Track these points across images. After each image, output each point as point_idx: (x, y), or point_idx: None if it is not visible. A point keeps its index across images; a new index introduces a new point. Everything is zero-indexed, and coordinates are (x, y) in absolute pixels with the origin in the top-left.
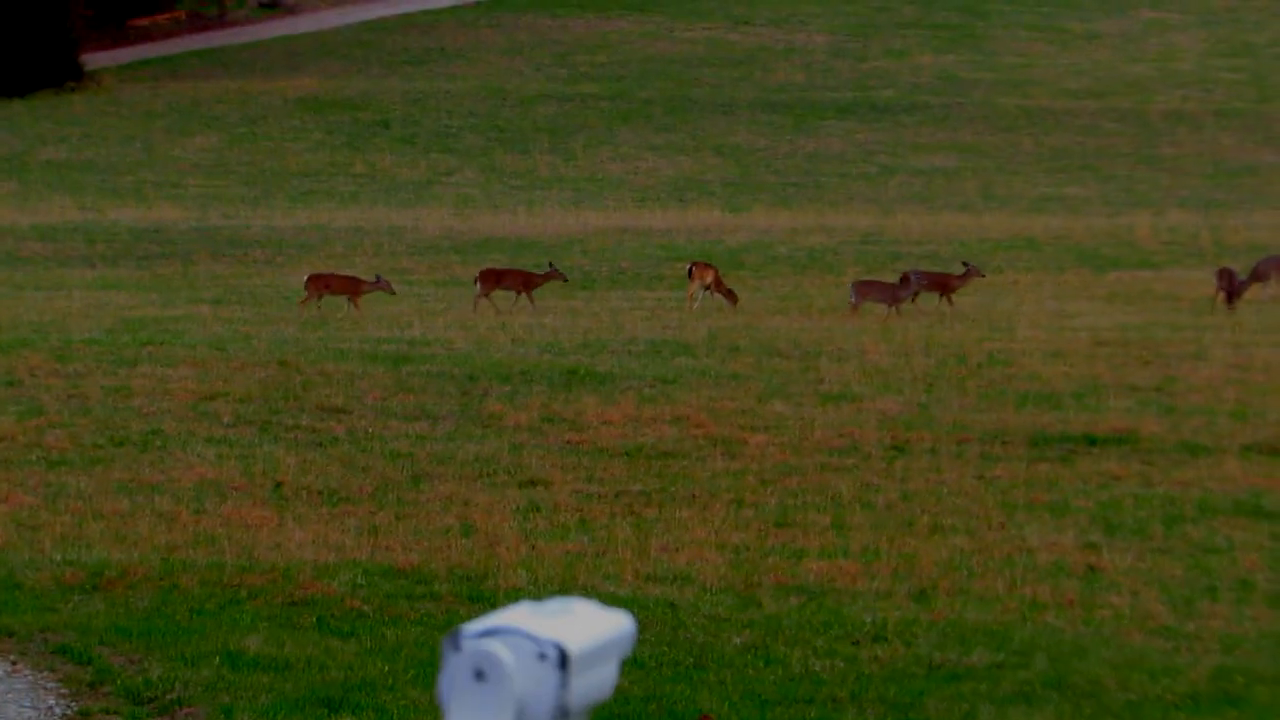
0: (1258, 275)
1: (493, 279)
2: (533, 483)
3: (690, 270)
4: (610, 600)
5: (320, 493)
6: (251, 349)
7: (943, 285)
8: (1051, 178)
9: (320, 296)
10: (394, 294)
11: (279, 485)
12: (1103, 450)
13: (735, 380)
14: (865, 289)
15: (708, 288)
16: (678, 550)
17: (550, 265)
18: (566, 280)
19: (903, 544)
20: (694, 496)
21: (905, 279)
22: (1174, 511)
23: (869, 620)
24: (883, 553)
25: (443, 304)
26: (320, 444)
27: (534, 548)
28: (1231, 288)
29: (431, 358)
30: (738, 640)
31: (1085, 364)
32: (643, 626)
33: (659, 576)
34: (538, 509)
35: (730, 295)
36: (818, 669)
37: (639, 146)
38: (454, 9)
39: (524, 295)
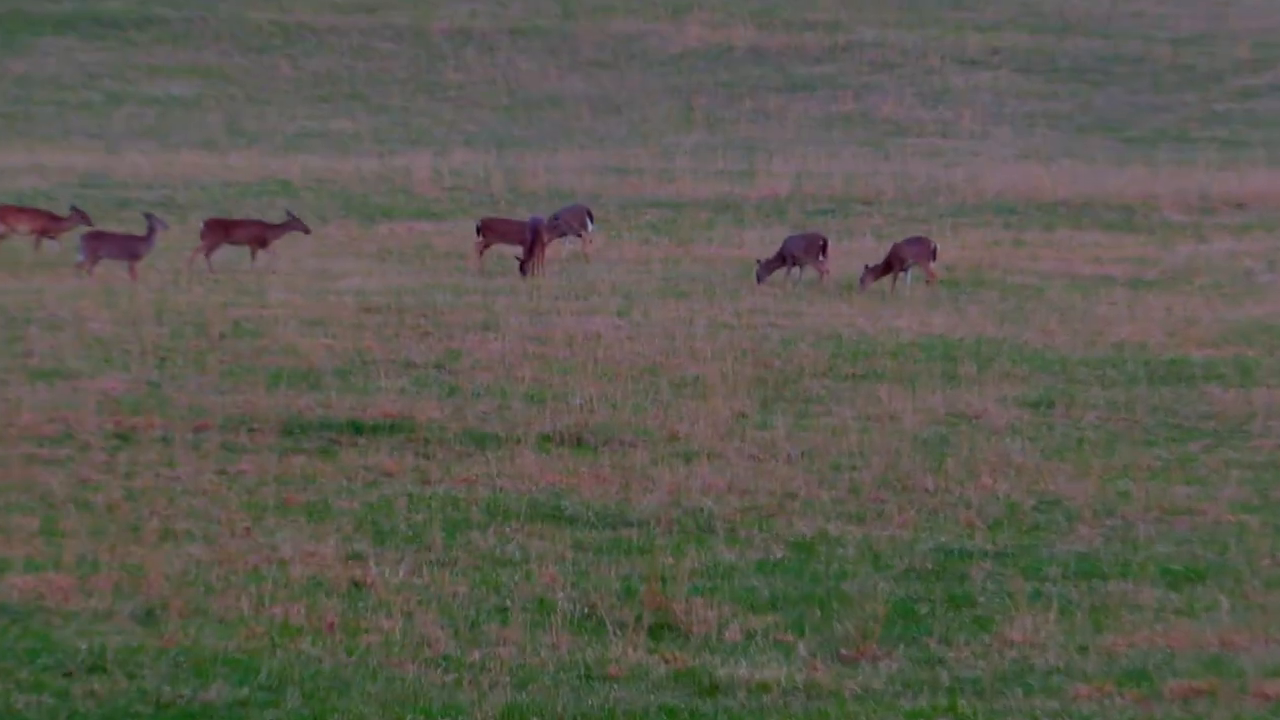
0: (558, 228)
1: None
2: None
3: None
4: None
5: None
6: None
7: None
8: (313, 109)
9: None
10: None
11: None
12: (371, 440)
13: None
14: (96, 243)
15: None
16: None
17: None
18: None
19: (127, 554)
20: None
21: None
22: (457, 515)
23: (85, 647)
24: (103, 565)
25: None
26: None
27: None
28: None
29: None
30: None
31: (351, 335)
32: None
33: None
34: None
35: None
36: (21, 706)
37: None
38: None
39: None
